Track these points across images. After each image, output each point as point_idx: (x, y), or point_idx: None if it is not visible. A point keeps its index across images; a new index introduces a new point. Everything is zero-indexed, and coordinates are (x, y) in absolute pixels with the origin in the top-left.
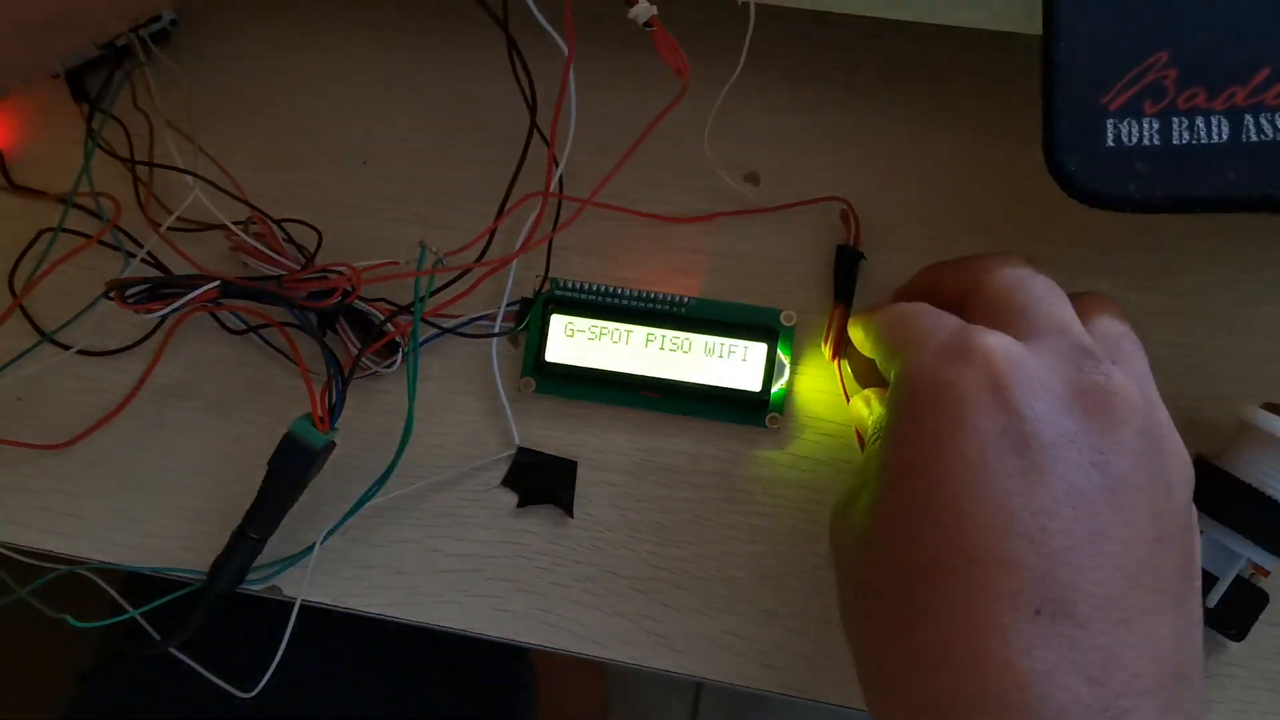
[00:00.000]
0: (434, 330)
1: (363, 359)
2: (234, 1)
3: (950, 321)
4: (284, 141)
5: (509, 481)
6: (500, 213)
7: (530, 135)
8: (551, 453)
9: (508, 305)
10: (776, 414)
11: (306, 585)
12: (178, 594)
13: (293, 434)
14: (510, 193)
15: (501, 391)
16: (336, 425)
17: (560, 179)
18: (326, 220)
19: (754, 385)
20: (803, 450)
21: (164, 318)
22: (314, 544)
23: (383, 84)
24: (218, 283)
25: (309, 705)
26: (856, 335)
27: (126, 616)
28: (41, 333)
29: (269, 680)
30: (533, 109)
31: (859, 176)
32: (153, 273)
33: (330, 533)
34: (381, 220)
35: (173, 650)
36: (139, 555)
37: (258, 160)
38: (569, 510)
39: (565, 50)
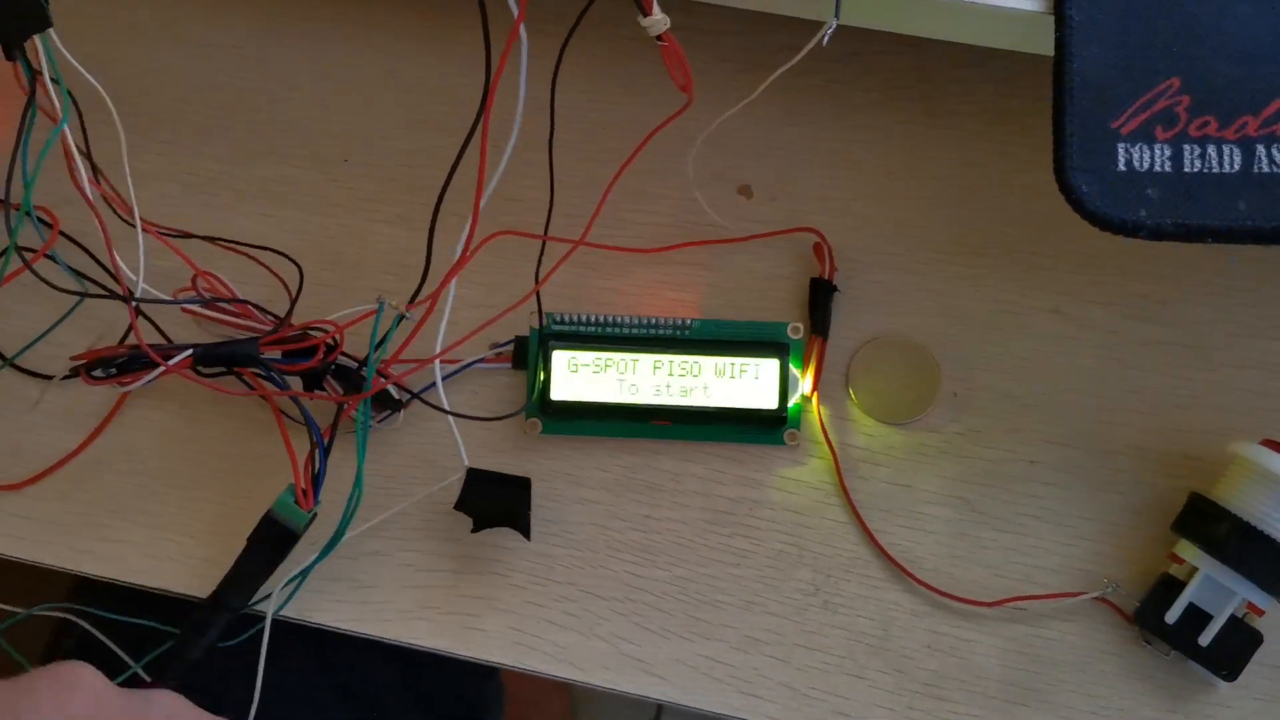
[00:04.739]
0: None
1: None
2: None
3: None
4: (263, 135)
5: (461, 505)
6: (462, 255)
7: (473, 131)
8: (508, 471)
9: (500, 346)
10: (795, 430)
11: (273, 599)
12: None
13: (274, 514)
14: (442, 197)
15: (444, 400)
16: (319, 499)
17: (552, 192)
18: (306, 218)
19: (770, 403)
20: (790, 472)
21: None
22: (266, 616)
23: (367, 79)
24: (190, 351)
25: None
26: None
27: (129, 673)
28: (2, 356)
29: (216, 697)
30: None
31: (852, 192)
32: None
33: (282, 606)
34: (361, 219)
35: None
36: (96, 562)
37: (236, 153)
38: (526, 533)
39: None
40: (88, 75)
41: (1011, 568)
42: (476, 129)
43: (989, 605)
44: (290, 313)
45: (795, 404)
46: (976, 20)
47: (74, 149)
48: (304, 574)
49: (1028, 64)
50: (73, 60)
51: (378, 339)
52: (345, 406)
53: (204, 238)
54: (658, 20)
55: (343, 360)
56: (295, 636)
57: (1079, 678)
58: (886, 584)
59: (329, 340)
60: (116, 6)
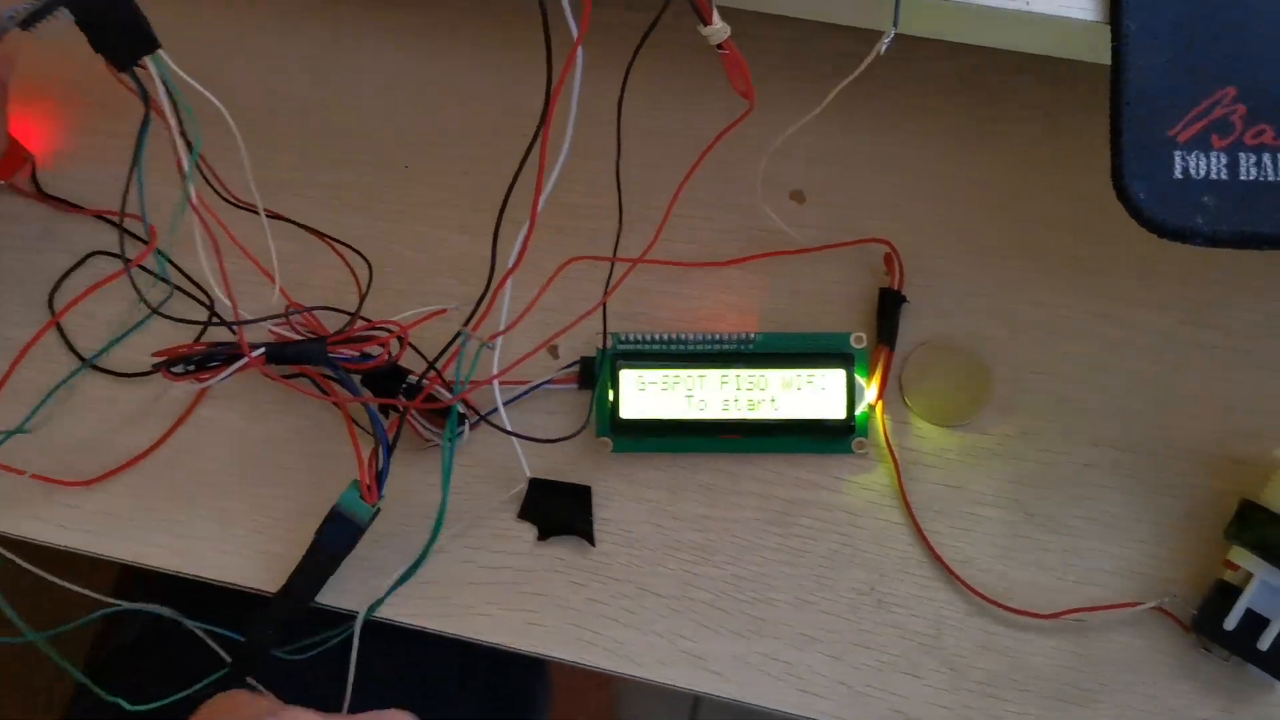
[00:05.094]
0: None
1: (425, 430)
2: (279, 10)
3: None
4: (330, 144)
5: (525, 514)
6: (517, 259)
7: (532, 145)
8: (572, 473)
9: (565, 368)
10: (863, 439)
11: (336, 594)
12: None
13: (340, 507)
14: (504, 209)
15: (506, 422)
16: (383, 493)
17: (621, 215)
18: (371, 223)
19: (838, 412)
20: (844, 473)
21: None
22: (358, 614)
23: (428, 89)
24: (263, 349)
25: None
26: None
27: (178, 696)
28: (81, 358)
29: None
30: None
31: (903, 196)
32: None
33: (372, 609)
34: (422, 224)
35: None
36: (168, 556)
37: (305, 161)
38: (589, 538)
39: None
40: (206, 93)
41: (1065, 569)
42: (536, 141)
43: (1045, 617)
44: (359, 308)
45: (862, 413)
46: (1033, 29)
47: (184, 160)
48: (400, 581)
49: (1079, 70)
50: (189, 78)
51: (463, 370)
52: (406, 409)
53: (291, 220)
54: (718, 29)
55: (399, 366)
56: (325, 625)
57: (1133, 678)
58: (939, 584)
59: (393, 340)
60: (189, 22)
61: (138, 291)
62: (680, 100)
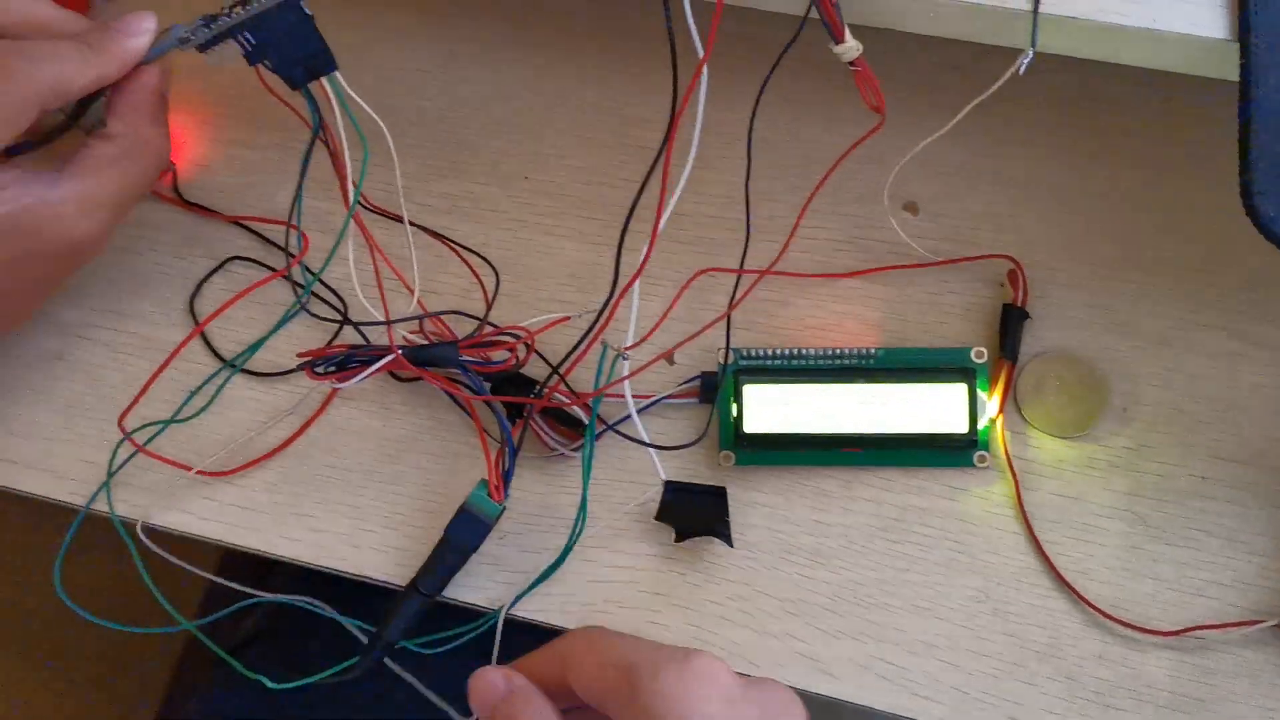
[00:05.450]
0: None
1: (552, 440)
2: (398, 23)
3: None
4: (449, 154)
5: (662, 516)
6: (640, 266)
7: (656, 161)
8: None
9: (685, 382)
10: (984, 452)
11: (464, 590)
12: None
13: (469, 505)
14: (628, 223)
15: (642, 431)
16: (509, 493)
17: (748, 232)
18: (488, 232)
19: (960, 427)
20: (959, 481)
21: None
22: (501, 608)
23: (546, 101)
24: (400, 352)
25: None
26: None
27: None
28: (222, 359)
29: (369, 666)
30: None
31: (1018, 208)
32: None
33: (515, 601)
34: (540, 233)
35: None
36: (303, 549)
37: (425, 170)
38: (727, 539)
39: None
40: (372, 112)
41: (1181, 582)
42: (660, 159)
43: (1164, 634)
44: (487, 314)
45: (984, 427)
46: (1161, 46)
47: (349, 173)
48: (538, 580)
49: (1197, 84)
50: (359, 99)
51: (602, 380)
52: (531, 409)
53: (423, 229)
54: (850, 47)
55: (562, 400)
56: (458, 622)
57: (1251, 689)
58: (1056, 594)
59: (520, 345)
60: None
61: (297, 297)
62: (787, 110)
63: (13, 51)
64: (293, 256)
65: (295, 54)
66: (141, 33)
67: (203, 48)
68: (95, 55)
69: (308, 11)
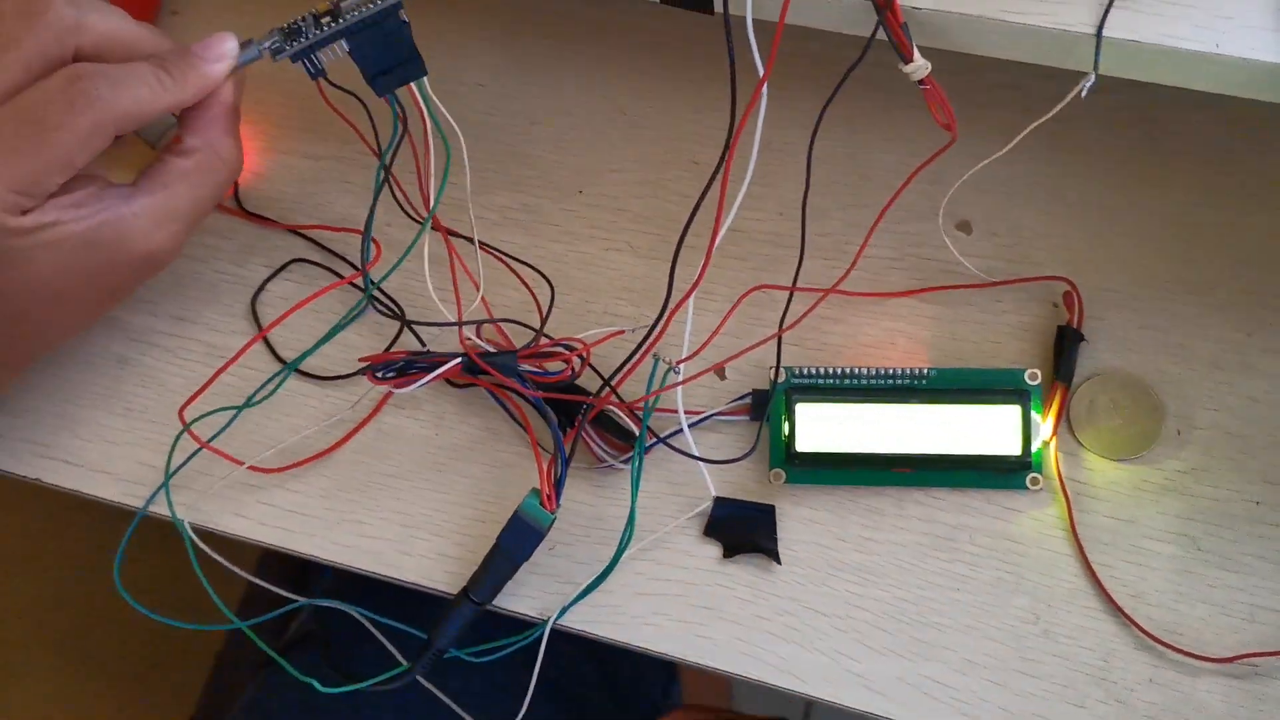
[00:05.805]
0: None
1: (602, 451)
2: (456, 38)
3: None
4: (504, 166)
5: (711, 531)
6: (696, 280)
7: (713, 178)
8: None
9: (737, 399)
10: (1038, 475)
11: (514, 600)
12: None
13: (522, 513)
14: (683, 239)
15: (692, 445)
16: (560, 503)
17: (802, 250)
18: (543, 245)
19: (1013, 449)
20: (1011, 502)
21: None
22: (548, 618)
23: (600, 115)
24: (460, 359)
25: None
26: None
27: (401, 669)
28: (282, 361)
29: (420, 673)
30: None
31: (1072, 229)
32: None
33: (562, 613)
34: (594, 247)
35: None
36: (355, 555)
37: (479, 183)
38: (775, 556)
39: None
40: (452, 121)
41: (1235, 606)
42: (717, 175)
43: (1217, 661)
44: (543, 325)
45: (1038, 450)
46: (1220, 69)
47: (432, 185)
48: (585, 592)
49: (1254, 108)
50: (441, 106)
51: (652, 390)
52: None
53: (482, 245)
54: (919, 65)
55: (617, 414)
56: (504, 633)
57: None
58: (1106, 616)
59: (575, 357)
60: None
61: (370, 303)
62: (842, 127)
63: (96, 75)
64: (364, 264)
65: (386, 61)
66: (221, 58)
67: (295, 59)
68: (174, 83)
69: (404, 19)
